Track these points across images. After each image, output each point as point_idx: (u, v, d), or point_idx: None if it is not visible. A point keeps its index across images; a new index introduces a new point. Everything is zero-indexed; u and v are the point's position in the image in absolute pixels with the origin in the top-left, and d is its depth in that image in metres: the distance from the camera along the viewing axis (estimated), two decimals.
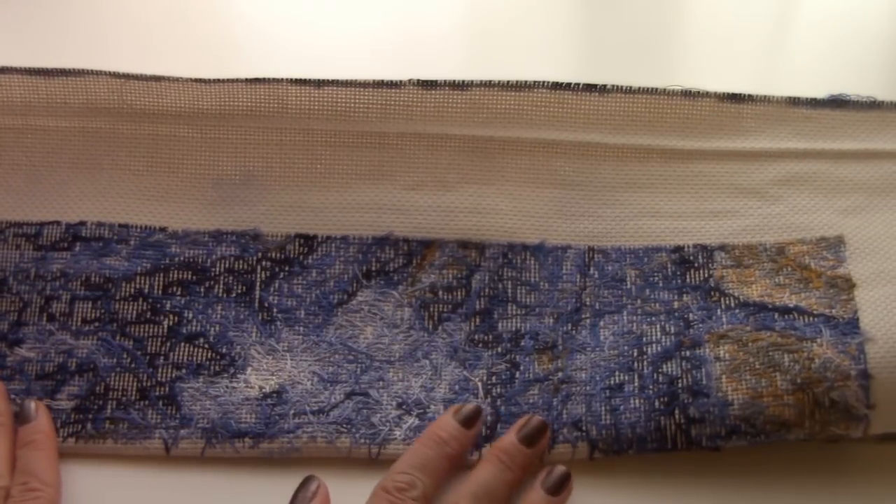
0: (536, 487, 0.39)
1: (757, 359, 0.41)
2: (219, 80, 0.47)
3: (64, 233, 0.46)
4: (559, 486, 0.39)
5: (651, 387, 0.42)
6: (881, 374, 0.40)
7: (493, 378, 0.44)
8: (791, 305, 0.43)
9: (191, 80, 0.47)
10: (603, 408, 0.42)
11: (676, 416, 0.41)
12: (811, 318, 0.42)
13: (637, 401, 0.41)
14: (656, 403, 0.41)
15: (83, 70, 0.47)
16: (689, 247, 0.46)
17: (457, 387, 0.43)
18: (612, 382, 0.42)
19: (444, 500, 0.39)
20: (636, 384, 0.42)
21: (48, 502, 0.39)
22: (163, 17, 0.56)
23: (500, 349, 0.44)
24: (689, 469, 0.42)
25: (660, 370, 0.42)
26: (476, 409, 0.41)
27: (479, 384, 0.43)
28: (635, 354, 0.43)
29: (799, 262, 0.45)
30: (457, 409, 0.41)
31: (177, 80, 0.47)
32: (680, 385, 0.41)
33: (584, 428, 0.42)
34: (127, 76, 0.47)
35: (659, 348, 0.43)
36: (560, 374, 0.43)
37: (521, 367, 0.44)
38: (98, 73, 0.47)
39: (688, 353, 0.42)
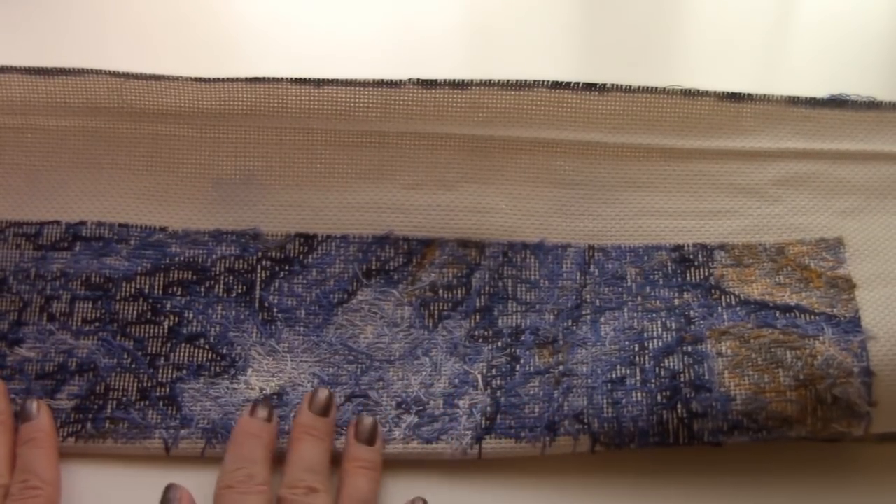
0: (351, 443, 0.41)
1: (759, 355, 0.41)
2: (219, 80, 0.47)
3: (64, 232, 0.46)
4: (371, 434, 0.41)
5: (653, 381, 0.42)
6: (883, 372, 0.40)
7: (493, 370, 0.43)
8: (792, 304, 0.43)
9: (190, 79, 0.47)
10: (605, 401, 0.42)
11: (679, 411, 0.41)
12: (813, 317, 0.43)
13: (639, 394, 0.41)
14: (658, 397, 0.41)
15: (83, 69, 0.47)
16: (688, 246, 0.46)
17: (456, 380, 0.43)
18: (613, 376, 0.42)
19: (284, 486, 0.39)
20: (638, 378, 0.42)
21: (47, 500, 0.39)
22: (162, 18, 0.56)
23: (500, 343, 0.44)
24: (689, 469, 0.42)
25: (661, 365, 0.42)
26: (265, 403, 0.42)
27: (479, 377, 0.43)
28: (636, 349, 0.43)
29: (799, 262, 0.45)
30: (250, 411, 0.41)
31: (176, 79, 0.47)
32: (682, 379, 0.41)
33: (585, 421, 0.41)
34: (127, 75, 0.47)
35: (660, 344, 0.43)
36: (561, 368, 0.43)
37: (522, 361, 0.44)
38: (98, 73, 0.47)
39: (689, 348, 0.42)
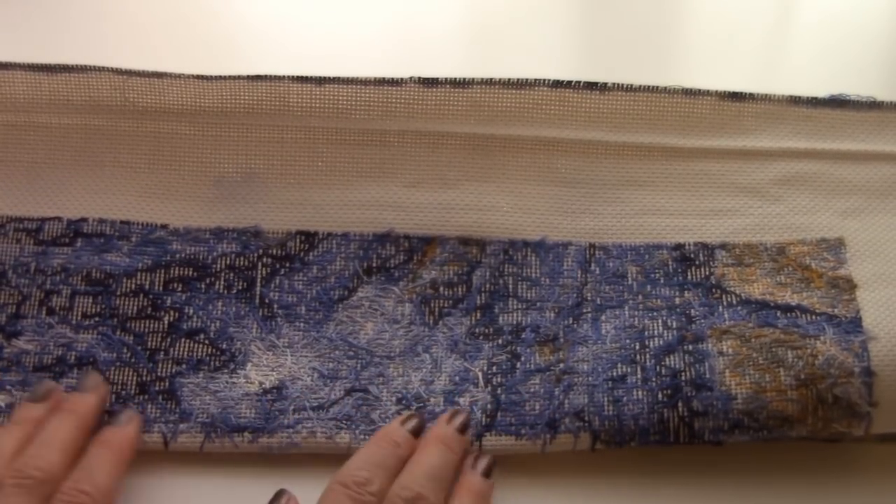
0: (473, 471, 0.40)
1: (760, 354, 0.41)
2: (220, 78, 0.47)
3: (65, 229, 0.46)
4: (491, 469, 0.41)
5: (654, 379, 0.41)
6: (884, 372, 0.40)
7: (494, 368, 0.43)
8: (793, 304, 0.43)
9: (192, 77, 0.47)
10: (606, 398, 0.42)
11: (680, 409, 0.40)
12: (814, 317, 0.42)
13: (640, 392, 0.41)
14: (659, 395, 0.41)
15: (85, 66, 0.47)
16: (689, 244, 0.46)
17: (457, 378, 0.43)
18: (614, 374, 0.42)
19: (397, 484, 0.38)
20: (639, 376, 0.42)
21: None
22: (163, 18, 0.56)
23: (500, 341, 0.44)
24: (689, 468, 0.42)
25: (662, 363, 0.42)
26: (421, 418, 0.42)
27: (479, 374, 0.43)
28: (637, 348, 0.43)
29: (800, 262, 0.45)
30: (404, 419, 0.41)
31: (178, 76, 0.47)
32: (683, 378, 0.41)
33: (586, 418, 0.41)
34: (129, 73, 0.47)
35: (661, 342, 0.43)
36: (562, 365, 0.43)
37: (523, 358, 0.44)
38: (100, 70, 0.47)
39: (690, 347, 0.42)
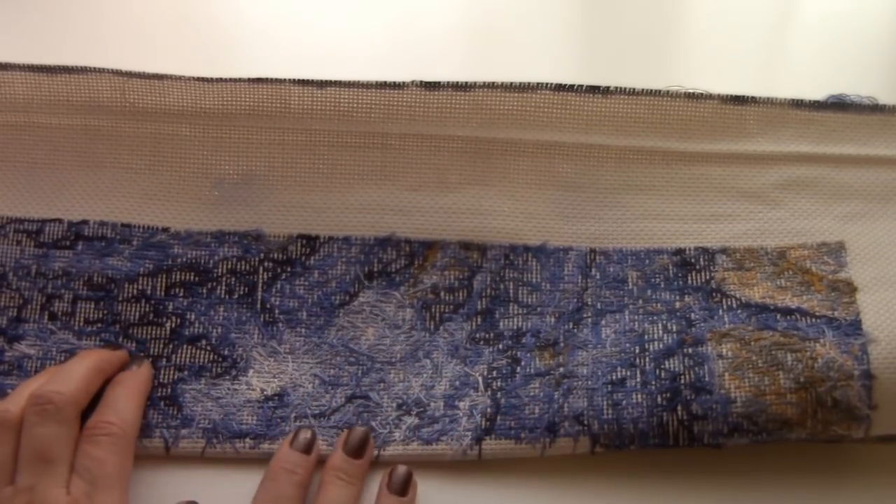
0: (384, 492, 0.40)
1: (760, 357, 0.41)
2: (221, 80, 0.47)
3: (66, 231, 0.46)
4: (404, 485, 0.40)
5: (653, 382, 0.42)
6: (883, 375, 0.40)
7: (494, 372, 0.44)
8: (793, 307, 0.43)
9: (193, 78, 0.47)
10: (605, 402, 0.42)
11: (679, 413, 0.41)
12: (813, 320, 0.43)
13: (639, 396, 0.41)
14: (659, 399, 0.41)
15: (86, 67, 0.47)
16: (690, 249, 0.46)
17: (457, 382, 0.43)
18: (614, 378, 0.42)
19: None
20: (638, 380, 0.42)
21: (117, 440, 0.38)
22: (164, 19, 0.56)
23: (501, 346, 0.44)
24: (689, 471, 0.42)
25: (662, 366, 0.42)
26: (311, 433, 0.41)
27: (480, 378, 0.43)
28: (637, 351, 0.43)
29: (800, 266, 0.45)
30: (290, 440, 0.41)
31: (179, 78, 0.47)
32: (682, 381, 0.41)
33: (585, 422, 0.41)
34: (130, 74, 0.47)
35: (661, 346, 0.43)
36: (561, 370, 0.43)
37: (523, 363, 0.44)
38: (101, 71, 0.47)
39: (690, 350, 0.42)
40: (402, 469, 0.41)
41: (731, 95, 0.48)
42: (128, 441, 0.39)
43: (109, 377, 0.41)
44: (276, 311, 0.45)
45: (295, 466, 0.40)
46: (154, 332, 0.44)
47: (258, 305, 0.45)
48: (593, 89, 0.48)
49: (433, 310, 0.45)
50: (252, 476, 0.41)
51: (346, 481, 0.40)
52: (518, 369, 0.43)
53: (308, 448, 0.41)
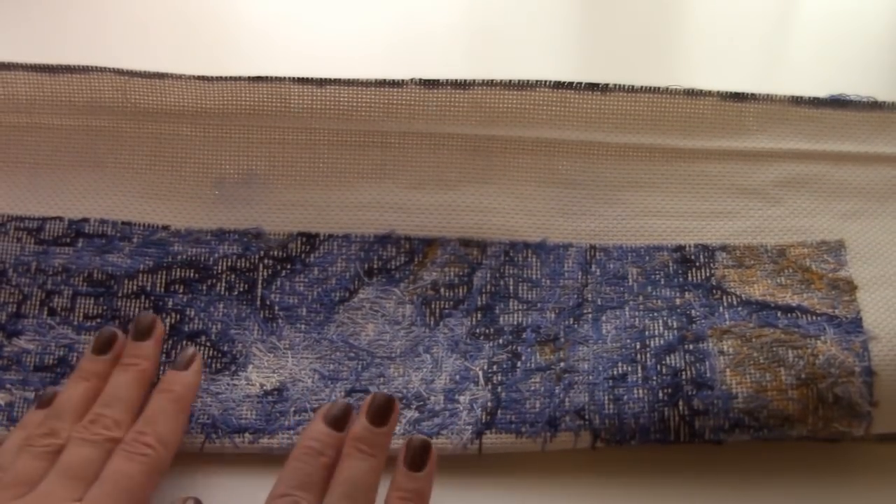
0: (399, 466, 0.37)
1: (761, 354, 0.41)
2: (222, 79, 0.47)
3: (66, 229, 0.46)
4: (420, 458, 0.37)
5: (654, 378, 0.41)
6: (885, 372, 0.40)
7: (494, 367, 0.43)
8: (794, 305, 0.43)
9: (194, 78, 0.47)
10: (606, 397, 0.42)
11: (680, 408, 0.40)
12: (814, 317, 0.43)
13: (640, 391, 0.41)
14: (660, 394, 0.41)
15: (87, 67, 0.47)
16: (690, 246, 0.46)
17: (457, 376, 0.43)
18: (615, 372, 0.42)
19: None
20: (639, 375, 0.42)
21: (155, 463, 0.37)
22: (164, 18, 0.56)
23: (501, 341, 0.44)
24: (689, 468, 0.42)
25: (663, 362, 0.42)
26: (344, 406, 0.39)
27: (480, 372, 0.43)
28: (638, 347, 0.43)
29: (800, 264, 0.45)
30: (325, 413, 0.39)
31: (180, 77, 0.47)
32: (683, 377, 0.41)
33: (587, 417, 0.41)
34: (131, 73, 0.47)
35: (662, 342, 0.43)
36: (562, 364, 0.43)
37: (523, 357, 0.44)
38: (102, 70, 0.47)
39: (691, 346, 0.42)
40: (417, 439, 0.38)
41: (731, 92, 0.49)
42: (163, 466, 0.37)
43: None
44: (276, 308, 0.45)
45: (324, 447, 0.38)
46: None
47: (258, 302, 0.45)
48: (592, 87, 0.48)
49: (433, 306, 0.45)
50: (251, 471, 0.41)
51: (366, 453, 0.37)
52: (518, 364, 0.43)
53: (340, 423, 0.38)
